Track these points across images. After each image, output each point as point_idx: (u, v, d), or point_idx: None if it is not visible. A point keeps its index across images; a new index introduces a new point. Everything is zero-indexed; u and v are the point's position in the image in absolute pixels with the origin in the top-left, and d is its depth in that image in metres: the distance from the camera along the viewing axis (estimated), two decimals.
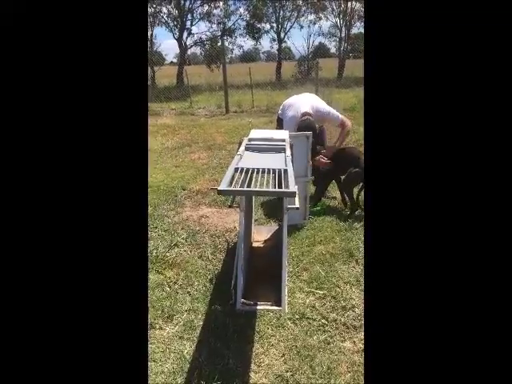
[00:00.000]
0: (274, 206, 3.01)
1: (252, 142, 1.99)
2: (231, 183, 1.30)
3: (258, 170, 1.44)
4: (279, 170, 1.43)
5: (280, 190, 1.20)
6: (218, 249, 2.47)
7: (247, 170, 1.42)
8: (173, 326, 1.77)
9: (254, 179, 1.37)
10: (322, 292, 1.97)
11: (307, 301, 1.91)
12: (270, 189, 1.27)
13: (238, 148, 1.96)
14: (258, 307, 1.85)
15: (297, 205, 1.96)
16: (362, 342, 1.63)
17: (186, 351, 1.61)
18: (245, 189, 1.21)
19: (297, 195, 2.08)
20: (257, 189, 1.24)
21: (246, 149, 1.88)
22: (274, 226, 2.74)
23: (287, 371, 1.49)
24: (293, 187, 1.22)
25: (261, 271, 2.18)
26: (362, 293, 1.95)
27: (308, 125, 2.71)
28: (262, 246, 2.48)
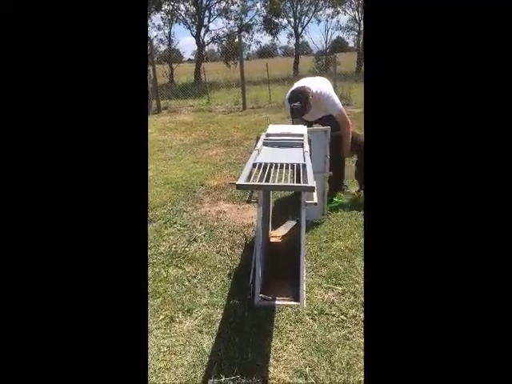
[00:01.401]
0: (291, 202, 3.00)
1: (270, 137, 1.99)
2: (249, 178, 1.30)
3: (276, 164, 1.43)
4: (297, 165, 1.42)
5: (298, 184, 1.20)
6: (236, 244, 2.48)
7: (265, 165, 1.42)
8: (192, 319, 1.79)
9: (272, 174, 1.36)
10: (340, 288, 1.96)
11: (326, 297, 1.90)
12: (289, 183, 1.26)
13: (256, 143, 1.96)
14: (277, 302, 1.86)
15: (315, 200, 1.95)
16: None
17: (205, 344, 1.62)
18: (263, 183, 1.21)
19: (315, 190, 2.07)
20: (275, 183, 1.24)
21: (264, 144, 1.88)
22: (291, 222, 2.73)
23: (306, 366, 1.49)
24: (311, 182, 1.21)
25: (279, 267, 2.18)
26: None
27: (300, 91, 2.58)
28: (279, 241, 2.48)
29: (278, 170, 1.38)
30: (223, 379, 1.45)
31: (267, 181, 1.28)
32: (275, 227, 2.63)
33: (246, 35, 16.73)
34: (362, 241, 2.38)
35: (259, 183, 1.21)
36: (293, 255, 2.22)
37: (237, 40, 12.33)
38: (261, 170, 1.36)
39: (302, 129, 2.21)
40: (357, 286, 1.97)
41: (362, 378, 1.43)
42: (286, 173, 1.37)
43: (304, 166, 1.41)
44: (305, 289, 1.90)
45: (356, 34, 17.87)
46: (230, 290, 2.00)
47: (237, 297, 1.92)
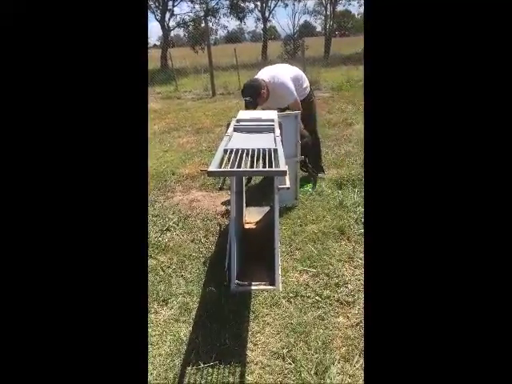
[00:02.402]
0: (263, 188, 3.00)
1: (240, 123, 1.97)
2: (221, 164, 1.28)
3: (248, 150, 1.42)
4: (269, 150, 1.42)
5: (270, 169, 1.20)
6: (210, 232, 2.47)
7: (237, 150, 1.41)
8: (168, 309, 1.78)
9: (243, 160, 1.36)
10: (315, 270, 1.99)
11: (301, 279, 1.94)
12: (261, 168, 1.26)
13: (227, 130, 1.94)
14: (253, 287, 1.87)
15: (287, 185, 1.96)
16: (356, 316, 1.66)
17: (182, 333, 1.62)
18: (235, 169, 1.20)
19: (287, 175, 2.08)
20: (247, 169, 1.23)
21: (235, 130, 1.86)
22: (265, 208, 2.74)
23: (283, 348, 1.52)
24: (283, 166, 1.21)
25: (254, 252, 2.19)
26: (354, 269, 1.98)
27: (251, 86, 2.64)
28: (254, 227, 2.49)
29: (250, 155, 1.37)
30: (201, 366, 1.45)
31: (239, 167, 1.27)
32: (249, 214, 2.63)
33: (213, 20, 16.38)
34: (335, 223, 2.43)
35: (231, 169, 1.20)
36: (268, 240, 2.23)
37: (203, 25, 12.06)
38: (232, 156, 1.35)
39: (272, 114, 2.20)
40: (330, 267, 2.01)
41: (338, 356, 1.47)
42: (258, 158, 1.37)
43: (275, 150, 1.40)
44: (280, 273, 1.92)
45: (323, 18, 17.87)
46: (205, 277, 2.00)
47: (213, 284, 1.92)
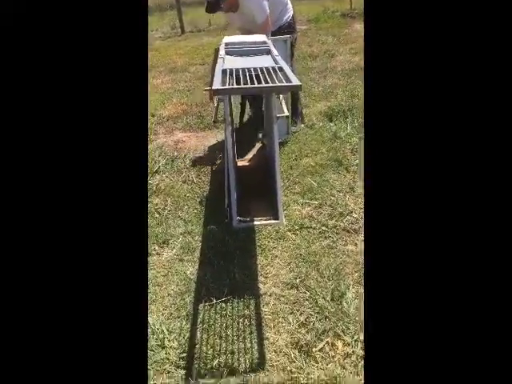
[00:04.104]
0: (248, 131, 2.81)
1: (231, 47, 1.78)
2: (224, 83, 1.14)
3: (250, 69, 1.27)
4: (273, 68, 1.27)
5: (285, 84, 1.06)
6: (201, 172, 2.35)
7: (237, 70, 1.25)
8: (170, 250, 1.70)
9: (248, 79, 1.21)
10: (317, 202, 1.94)
11: (303, 212, 1.88)
12: (277, 84, 1.11)
13: (216, 54, 1.76)
14: (255, 223, 1.81)
15: (286, 113, 1.84)
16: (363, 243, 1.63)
17: (189, 272, 1.56)
18: (248, 86, 1.05)
19: (284, 103, 1.94)
20: (256, 85, 1.09)
21: (227, 53, 1.68)
22: (256, 145, 2.62)
23: (295, 278, 1.49)
24: (296, 81, 1.08)
25: (251, 189, 2.11)
26: (357, 199, 1.94)
27: None
28: (247, 164, 2.38)
29: (254, 74, 1.22)
30: (214, 302, 1.41)
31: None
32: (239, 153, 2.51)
33: None
34: (331, 155, 2.35)
35: (242, 86, 1.06)
36: (264, 176, 2.15)
37: None
38: (234, 75, 1.20)
39: (263, 37, 2.00)
40: (332, 198, 1.96)
41: (351, 282, 1.45)
42: (264, 76, 1.22)
43: (281, 68, 1.26)
44: (282, 206, 1.85)
45: None
46: (204, 217, 1.91)
47: (213, 222, 1.84)
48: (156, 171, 2.36)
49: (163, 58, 5.41)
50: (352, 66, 4.12)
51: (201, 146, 2.70)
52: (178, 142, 2.80)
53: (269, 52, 1.63)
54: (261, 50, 1.69)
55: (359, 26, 5.97)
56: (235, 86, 1.07)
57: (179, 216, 1.92)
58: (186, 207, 1.99)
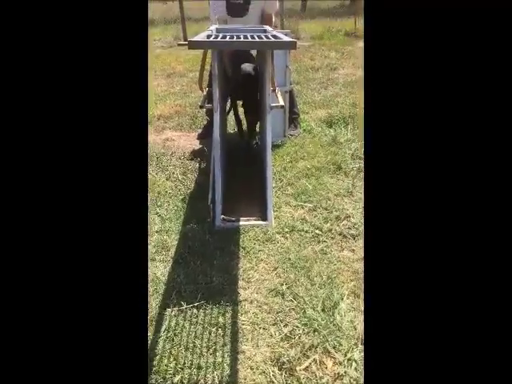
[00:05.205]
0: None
1: (222, 28, 1.62)
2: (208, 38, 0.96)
3: (239, 35, 1.10)
4: (266, 35, 1.10)
5: (274, 40, 0.89)
6: (188, 170, 2.16)
7: (224, 33, 1.08)
8: None
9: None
10: (311, 204, 1.75)
11: (296, 214, 1.69)
12: (264, 39, 0.93)
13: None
14: (241, 223, 1.61)
15: (281, 102, 1.67)
16: (362, 250, 1.43)
17: (159, 272, 1.35)
18: (221, 40, 0.88)
19: (280, 95, 1.78)
20: (241, 39, 0.91)
21: (218, 31, 1.52)
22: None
23: (282, 284, 1.28)
24: (289, 39, 0.90)
25: (240, 187, 1.92)
26: (356, 203, 1.75)
27: None
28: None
29: (242, 35, 1.05)
30: (184, 307, 1.20)
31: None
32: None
33: None
34: (329, 159, 2.17)
35: (217, 40, 0.88)
36: (254, 174, 1.97)
37: None
38: (220, 35, 1.03)
39: (258, 26, 1.86)
40: (328, 201, 1.77)
41: (346, 291, 1.25)
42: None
43: (275, 36, 1.09)
44: (272, 207, 1.66)
45: None
46: (185, 214, 1.71)
47: (194, 221, 1.64)
48: None
49: (162, 64, 5.32)
50: (354, 78, 4.01)
51: (191, 146, 2.52)
52: (167, 140, 2.63)
53: (264, 31, 1.47)
54: (256, 30, 1.53)
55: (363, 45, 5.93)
56: (213, 40, 0.89)
57: (157, 213, 1.72)
58: (165, 204, 1.80)
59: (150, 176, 2.09)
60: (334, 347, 1.04)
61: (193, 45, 0.85)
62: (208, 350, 1.06)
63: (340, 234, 1.53)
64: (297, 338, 1.08)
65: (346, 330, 1.09)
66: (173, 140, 2.62)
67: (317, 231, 1.55)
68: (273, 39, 0.91)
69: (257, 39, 0.93)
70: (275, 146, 2.36)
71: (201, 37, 1.01)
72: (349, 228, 1.57)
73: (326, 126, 2.70)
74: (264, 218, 1.62)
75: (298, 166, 2.11)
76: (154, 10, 13.17)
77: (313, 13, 11.41)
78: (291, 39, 0.88)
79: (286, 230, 1.57)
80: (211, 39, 0.91)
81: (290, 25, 7.73)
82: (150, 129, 2.85)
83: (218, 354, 1.04)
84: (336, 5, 13.63)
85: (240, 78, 1.65)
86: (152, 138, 2.67)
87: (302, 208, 1.73)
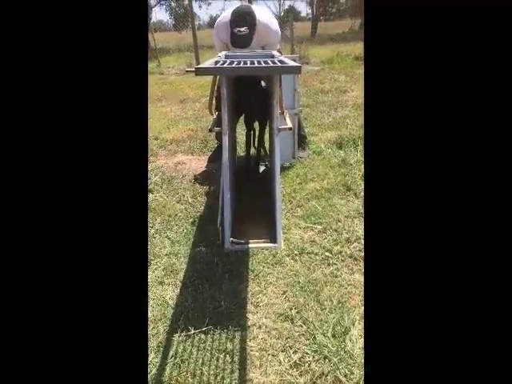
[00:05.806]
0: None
1: (231, 54, 1.66)
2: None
3: (246, 61, 1.13)
4: (272, 60, 1.13)
5: (279, 65, 0.90)
6: (198, 193, 2.18)
7: (232, 59, 1.11)
8: (151, 271, 1.49)
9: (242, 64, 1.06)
10: (320, 226, 1.73)
11: (305, 236, 1.67)
12: (270, 65, 0.95)
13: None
14: (250, 245, 1.60)
15: (289, 124, 1.68)
16: None
17: (168, 296, 1.34)
18: (233, 66, 0.90)
19: (287, 117, 1.79)
20: (249, 65, 0.93)
21: (226, 57, 1.55)
22: (260, 167, 2.46)
23: (291, 309, 1.25)
24: (294, 64, 0.92)
25: (249, 210, 1.92)
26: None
27: (247, 13, 1.87)
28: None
29: (249, 61, 1.08)
30: (192, 332, 1.18)
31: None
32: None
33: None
34: (339, 180, 2.16)
35: (225, 66, 0.90)
36: (264, 196, 1.97)
37: (186, 1, 11.57)
38: (228, 61, 1.05)
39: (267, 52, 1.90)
40: (339, 223, 1.75)
41: (357, 316, 1.21)
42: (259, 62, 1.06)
43: (281, 61, 1.11)
44: (281, 229, 1.65)
45: (306, 2, 17.40)
46: (194, 237, 1.71)
47: (203, 244, 1.64)
48: (149, 190, 2.19)
49: (176, 90, 5.47)
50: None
51: (202, 169, 2.55)
52: (179, 163, 2.66)
53: (272, 56, 1.50)
54: (263, 55, 1.56)
55: None
56: (221, 66, 0.91)
57: (167, 236, 1.73)
58: (175, 227, 1.80)
59: (160, 199, 2.11)
60: (345, 375, 1.00)
61: (200, 71, 0.87)
62: (215, 378, 1.03)
63: (350, 257, 1.51)
64: (306, 365, 1.04)
65: (358, 358, 1.05)
66: (184, 163, 2.66)
67: (327, 253, 1.53)
68: (279, 64, 0.93)
69: (263, 64, 0.95)
70: (284, 168, 2.37)
71: (209, 63, 1.03)
72: (359, 250, 1.54)
73: (336, 148, 2.70)
74: (273, 240, 1.61)
75: (308, 188, 2.11)
76: (168, 40, 13.68)
77: (323, 39, 11.66)
78: (297, 64, 0.89)
79: (296, 252, 1.55)
80: (218, 65, 0.93)
81: (299, 50, 7.90)
82: (163, 152, 2.90)
83: (225, 381, 1.02)
84: (345, 30, 13.91)
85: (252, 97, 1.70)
86: (163, 161, 2.71)
87: (312, 230, 1.71)
